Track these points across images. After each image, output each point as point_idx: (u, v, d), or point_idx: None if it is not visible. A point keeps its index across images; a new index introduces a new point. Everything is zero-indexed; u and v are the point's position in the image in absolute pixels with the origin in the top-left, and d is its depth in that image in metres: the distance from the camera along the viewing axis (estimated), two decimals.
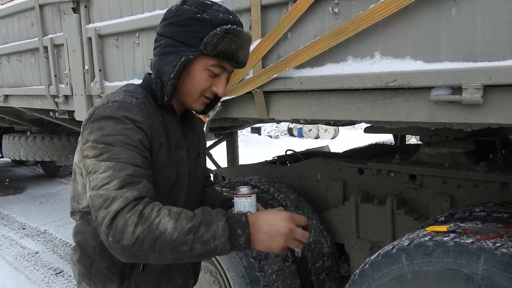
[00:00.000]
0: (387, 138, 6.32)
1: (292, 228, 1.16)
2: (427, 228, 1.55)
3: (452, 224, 1.50)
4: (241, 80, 1.82)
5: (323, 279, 2.34)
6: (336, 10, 1.52)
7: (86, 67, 2.65)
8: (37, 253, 4.60)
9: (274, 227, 1.15)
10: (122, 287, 1.30)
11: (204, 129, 2.00)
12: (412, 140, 7.97)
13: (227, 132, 4.38)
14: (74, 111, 2.92)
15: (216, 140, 4.61)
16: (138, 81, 1.40)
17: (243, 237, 1.11)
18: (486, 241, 1.35)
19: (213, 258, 2.27)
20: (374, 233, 2.38)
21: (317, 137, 17.08)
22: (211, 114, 1.97)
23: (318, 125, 16.21)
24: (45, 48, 3.01)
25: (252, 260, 2.12)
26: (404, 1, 1.32)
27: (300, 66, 1.63)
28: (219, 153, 4.66)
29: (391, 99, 1.46)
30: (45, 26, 3.01)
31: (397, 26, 1.38)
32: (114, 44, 2.47)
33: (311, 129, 17.25)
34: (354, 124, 2.27)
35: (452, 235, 1.43)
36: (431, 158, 2.32)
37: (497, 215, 1.60)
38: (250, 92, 1.81)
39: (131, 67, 2.40)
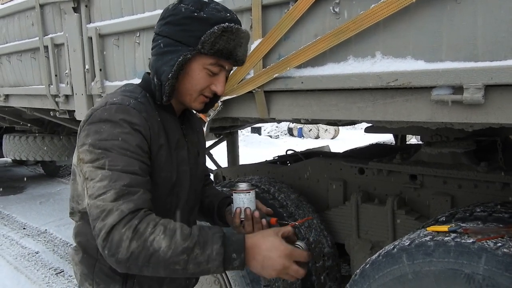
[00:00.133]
0: (388, 138, 6.31)
1: (287, 265, 1.13)
2: (428, 228, 1.55)
3: (453, 224, 1.50)
4: (241, 80, 1.82)
5: (324, 279, 2.34)
6: (337, 9, 1.51)
7: (87, 67, 2.65)
8: (37, 253, 4.60)
9: (269, 260, 1.13)
10: (125, 287, 1.30)
11: (205, 129, 2.00)
12: (412, 140, 7.98)
13: (228, 132, 4.38)
14: (74, 110, 2.92)
15: (216, 140, 4.61)
16: (138, 81, 1.40)
17: (238, 261, 1.10)
18: (487, 241, 1.35)
19: None
20: (374, 233, 2.38)
21: (317, 137, 17.07)
22: (212, 113, 1.97)
23: (318, 125, 16.27)
24: (46, 47, 3.01)
25: None
26: (405, 1, 1.31)
27: (301, 66, 1.63)
28: (220, 153, 4.66)
29: (392, 98, 1.45)
30: (45, 26, 3.01)
31: (398, 25, 1.38)
32: (114, 44, 2.47)
33: (311, 129, 17.25)
34: (354, 124, 2.27)
35: (453, 235, 1.43)
36: (431, 158, 2.32)
37: (498, 215, 1.60)
38: (250, 92, 1.81)
39: (132, 66, 2.40)
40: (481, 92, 1.22)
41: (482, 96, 1.22)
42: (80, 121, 1.24)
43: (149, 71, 1.33)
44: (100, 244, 1.06)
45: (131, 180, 1.10)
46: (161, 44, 1.22)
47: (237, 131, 4.66)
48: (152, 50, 1.27)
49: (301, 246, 1.23)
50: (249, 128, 16.17)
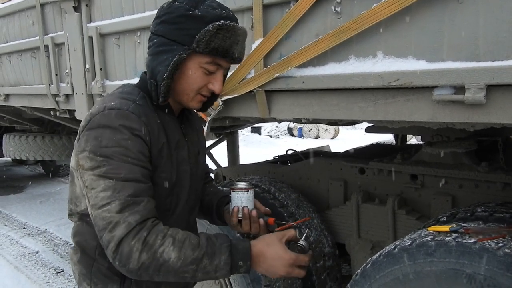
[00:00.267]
0: (388, 138, 6.31)
1: (290, 272, 1.19)
2: (429, 228, 1.55)
3: (454, 224, 1.50)
4: (242, 79, 1.82)
5: (324, 279, 2.34)
6: (338, 9, 1.51)
7: (87, 66, 2.64)
8: (37, 253, 4.60)
9: (273, 268, 1.18)
10: (123, 287, 1.30)
11: (206, 128, 1.99)
12: (412, 140, 7.97)
13: (228, 132, 4.38)
14: (75, 110, 2.92)
15: (216, 139, 4.61)
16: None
17: (244, 268, 1.16)
18: (489, 241, 1.35)
19: None
20: (375, 233, 2.38)
21: (317, 137, 17.07)
22: (213, 113, 1.96)
23: (318, 125, 16.27)
24: (46, 47, 3.00)
25: None
26: (407, 1, 1.31)
27: (302, 65, 1.63)
28: (220, 153, 4.66)
29: (393, 98, 1.45)
30: (46, 25, 3.01)
31: (400, 25, 1.38)
32: (115, 43, 2.46)
33: (311, 129, 17.25)
34: (355, 124, 2.26)
35: (454, 235, 1.43)
36: (432, 158, 2.32)
37: (499, 215, 1.60)
38: (251, 91, 1.81)
39: (133, 66, 2.39)
40: (482, 92, 1.22)
41: (484, 96, 1.22)
42: (81, 120, 1.24)
43: None
44: (110, 256, 1.09)
45: (135, 189, 1.10)
46: (156, 44, 1.21)
47: (237, 131, 4.66)
48: (148, 49, 1.25)
49: (303, 246, 1.25)
50: (249, 128, 16.17)
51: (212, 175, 2.84)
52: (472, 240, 1.37)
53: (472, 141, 2.16)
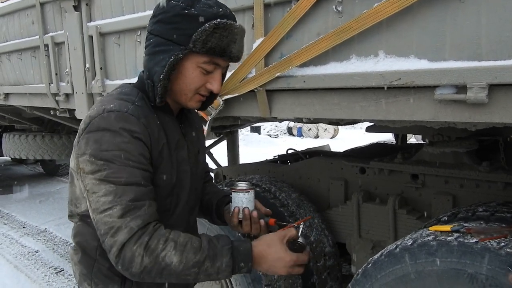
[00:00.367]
0: (387, 137, 6.31)
1: (290, 271, 1.21)
2: (430, 228, 1.55)
3: (455, 224, 1.50)
4: (243, 79, 1.81)
5: (325, 278, 2.33)
6: (339, 8, 1.51)
7: (87, 65, 2.64)
8: (37, 252, 4.60)
9: (274, 269, 1.20)
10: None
11: (206, 128, 1.99)
12: (412, 140, 7.97)
13: (228, 131, 4.37)
14: (75, 109, 2.91)
15: (216, 139, 4.61)
16: None
17: (245, 269, 1.16)
18: (490, 241, 1.35)
19: None
20: (375, 232, 2.38)
21: (316, 137, 17.08)
22: (213, 112, 1.96)
23: (317, 124, 16.25)
24: (46, 46, 2.99)
25: None
26: (408, 0, 1.31)
27: (303, 65, 1.62)
28: (219, 152, 4.65)
29: (395, 98, 1.45)
30: (46, 24, 3.00)
31: (402, 25, 1.37)
32: (115, 42, 2.46)
33: (310, 129, 17.25)
34: (356, 123, 2.26)
35: (456, 234, 1.43)
36: (433, 158, 2.31)
37: (500, 215, 1.60)
38: (252, 91, 1.80)
39: (133, 65, 2.39)
40: (485, 91, 1.22)
41: (486, 96, 1.22)
42: (81, 119, 1.23)
43: None
44: (113, 260, 1.10)
45: (136, 194, 1.10)
46: (153, 43, 1.19)
47: (237, 130, 4.65)
48: (145, 49, 1.23)
49: (301, 243, 1.26)
50: (248, 128, 16.16)
51: (212, 174, 2.84)
52: (474, 240, 1.37)
53: (473, 140, 2.16)
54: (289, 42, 1.67)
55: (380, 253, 1.62)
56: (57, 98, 3.05)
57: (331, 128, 16.86)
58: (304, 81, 1.63)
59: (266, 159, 3.43)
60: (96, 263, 1.29)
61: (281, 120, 2.09)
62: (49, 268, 4.20)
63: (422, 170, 2.24)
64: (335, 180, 2.60)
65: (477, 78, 1.23)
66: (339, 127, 17.12)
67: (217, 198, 1.54)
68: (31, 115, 4.20)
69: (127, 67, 2.43)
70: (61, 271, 4.11)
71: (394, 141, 3.95)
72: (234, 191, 1.37)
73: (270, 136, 17.28)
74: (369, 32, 1.44)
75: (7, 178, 8.31)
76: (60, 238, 5.00)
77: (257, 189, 2.40)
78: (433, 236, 1.47)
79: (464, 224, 1.49)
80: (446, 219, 1.76)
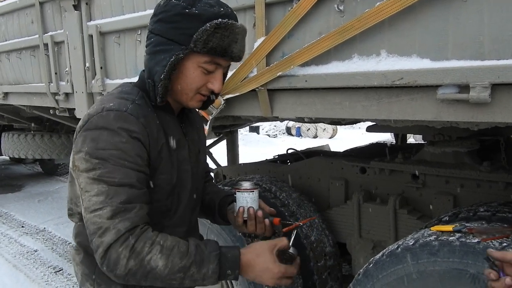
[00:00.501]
0: (386, 137, 6.30)
1: (277, 283, 1.19)
2: (432, 228, 1.54)
3: (457, 224, 1.50)
4: (244, 78, 1.81)
5: (325, 278, 2.33)
6: (341, 7, 1.50)
7: (87, 65, 2.63)
8: (36, 251, 4.58)
9: (261, 278, 1.18)
10: None
11: (207, 127, 1.98)
12: (410, 140, 7.98)
13: (227, 131, 4.37)
14: (74, 108, 2.91)
15: (216, 138, 4.60)
16: None
17: (232, 276, 1.15)
18: (492, 241, 1.34)
19: None
20: (376, 232, 2.37)
21: (315, 137, 17.08)
22: (214, 112, 1.96)
23: (316, 124, 16.26)
24: (46, 45, 2.99)
25: None
26: None
27: (305, 64, 1.62)
28: (219, 152, 4.65)
29: (397, 97, 1.45)
30: (45, 23, 2.99)
31: (404, 24, 1.37)
32: (115, 42, 2.45)
33: (309, 128, 17.25)
34: (358, 123, 2.25)
35: (457, 234, 1.43)
36: (434, 157, 2.31)
37: (501, 215, 1.60)
38: (254, 90, 1.80)
39: (133, 64, 2.38)
40: (487, 91, 1.22)
41: (489, 95, 1.22)
42: (80, 119, 1.22)
43: None
44: (98, 261, 1.09)
45: (128, 195, 1.09)
46: (154, 43, 1.18)
47: (237, 130, 4.65)
48: (146, 48, 1.22)
49: (292, 254, 1.24)
50: (247, 127, 16.16)
51: (212, 174, 2.83)
52: (476, 240, 1.36)
53: (474, 140, 2.16)
54: (291, 41, 1.67)
55: (381, 253, 1.62)
56: (56, 97, 3.05)
57: (329, 128, 16.87)
58: (306, 81, 1.63)
59: (266, 159, 3.43)
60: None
61: (282, 120, 2.08)
62: (48, 267, 4.18)
63: (423, 170, 2.24)
64: (336, 180, 2.60)
65: (479, 78, 1.22)
66: (338, 127, 17.15)
67: (219, 198, 1.53)
68: (30, 114, 4.19)
69: (128, 66, 2.42)
70: (60, 270, 4.10)
71: (394, 141, 3.95)
72: (239, 191, 1.36)
73: (269, 136, 17.28)
74: (371, 31, 1.44)
75: (6, 177, 8.29)
76: (59, 237, 4.99)
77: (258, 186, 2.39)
78: (435, 236, 1.47)
79: (466, 224, 1.49)
80: (447, 219, 1.75)
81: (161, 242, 1.10)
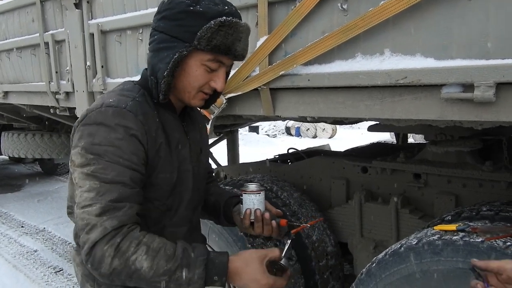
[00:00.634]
0: (386, 137, 6.30)
1: None
2: (435, 227, 1.54)
3: (461, 223, 1.49)
4: (247, 77, 1.80)
5: (327, 278, 2.33)
6: (345, 6, 1.50)
7: (88, 63, 2.62)
8: (36, 251, 4.57)
9: (249, 287, 1.14)
10: None
11: (209, 126, 1.98)
12: (410, 140, 7.96)
13: (228, 130, 4.36)
14: (75, 108, 2.90)
15: (216, 138, 4.59)
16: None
17: (219, 282, 1.11)
18: (496, 240, 1.34)
19: None
20: (378, 232, 2.37)
21: (315, 136, 17.09)
22: (216, 111, 1.95)
23: (316, 124, 16.26)
24: (46, 44, 2.98)
25: None
26: None
27: (308, 63, 1.62)
28: (219, 152, 4.64)
29: (400, 96, 1.44)
30: (46, 22, 2.99)
31: (408, 22, 1.37)
32: (117, 40, 2.44)
33: (308, 128, 17.25)
34: (360, 122, 2.25)
35: (461, 234, 1.43)
36: (436, 157, 2.31)
37: (505, 214, 1.60)
38: (256, 89, 1.79)
39: (134, 63, 2.37)
40: (492, 90, 1.21)
41: (493, 94, 1.21)
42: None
43: None
44: (84, 258, 1.08)
45: (119, 194, 1.08)
46: (157, 40, 1.18)
47: (237, 130, 4.64)
48: (149, 45, 1.22)
49: (283, 265, 1.21)
50: (246, 127, 16.14)
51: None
52: (480, 239, 1.36)
53: (476, 140, 2.16)
54: (294, 40, 1.66)
55: (384, 252, 1.61)
56: (57, 96, 3.04)
57: (329, 128, 16.87)
58: (309, 80, 1.62)
59: (267, 159, 3.42)
60: None
61: (284, 119, 2.08)
62: (48, 267, 4.17)
63: (425, 170, 2.24)
64: (337, 179, 2.60)
65: (484, 77, 1.22)
66: (338, 127, 17.15)
67: (224, 200, 1.51)
68: (30, 113, 4.17)
69: (129, 65, 2.42)
70: (60, 270, 4.09)
71: (394, 141, 3.95)
72: (245, 193, 1.35)
73: (269, 136, 17.28)
74: (375, 30, 1.43)
75: (5, 177, 8.27)
76: (59, 237, 4.98)
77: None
78: (438, 236, 1.47)
79: (470, 224, 1.49)
80: (450, 218, 1.75)
81: (148, 243, 1.08)
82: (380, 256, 1.62)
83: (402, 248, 1.53)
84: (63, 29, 2.79)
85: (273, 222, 1.35)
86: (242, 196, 1.35)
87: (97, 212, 1.06)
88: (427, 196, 2.28)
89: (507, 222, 1.51)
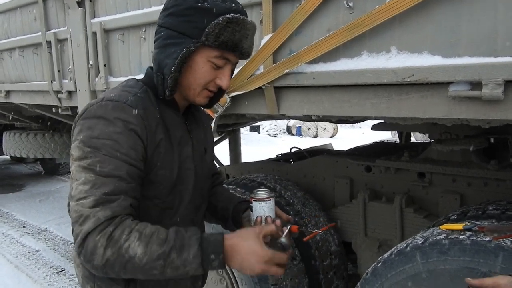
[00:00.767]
0: (388, 136, 6.28)
1: (265, 269, 1.10)
2: (441, 226, 1.53)
3: (467, 222, 1.48)
4: (251, 76, 1.79)
5: (331, 278, 2.32)
6: (351, 4, 1.49)
7: (91, 62, 2.61)
8: (38, 252, 4.57)
9: (247, 263, 1.10)
10: None
11: (212, 125, 1.97)
12: (412, 139, 7.93)
13: (230, 130, 4.35)
14: (77, 107, 2.89)
15: (218, 137, 4.58)
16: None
17: (216, 261, 1.07)
18: (504, 239, 1.33)
19: None
20: (382, 231, 2.36)
21: (316, 136, 17.07)
22: (220, 110, 1.94)
23: (317, 123, 16.24)
24: (49, 43, 2.97)
25: None
26: None
27: (313, 61, 1.60)
28: (221, 151, 4.63)
29: (407, 95, 1.43)
30: (48, 21, 2.98)
31: (415, 20, 1.36)
32: (119, 39, 2.43)
33: (309, 128, 17.24)
34: (366, 120, 2.24)
35: (468, 233, 1.41)
36: (440, 156, 2.30)
37: (511, 213, 1.58)
38: (260, 88, 1.78)
39: (137, 62, 2.37)
40: (501, 88, 1.20)
41: (502, 92, 1.20)
42: None
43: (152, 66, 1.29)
44: (76, 250, 1.06)
45: (114, 187, 1.06)
46: (164, 36, 1.18)
47: (239, 129, 4.63)
48: (155, 42, 1.22)
49: (283, 243, 1.19)
50: (247, 127, 16.13)
51: None
52: (487, 238, 1.35)
53: (482, 138, 2.15)
54: (298, 38, 1.65)
55: (390, 251, 1.60)
56: (59, 95, 3.03)
57: (330, 127, 16.86)
58: (314, 78, 1.61)
59: (269, 158, 3.42)
60: None
61: (289, 118, 2.07)
62: (50, 267, 4.17)
63: (429, 169, 2.23)
64: (340, 178, 2.59)
65: (492, 74, 1.21)
66: (339, 126, 17.14)
67: (233, 205, 1.48)
68: (32, 113, 4.17)
69: (132, 64, 2.41)
70: (63, 270, 4.08)
71: (398, 140, 3.94)
72: (255, 200, 1.32)
73: (270, 135, 17.27)
74: (381, 28, 1.42)
75: (7, 177, 8.27)
76: (61, 237, 4.97)
77: (274, 193, 2.38)
78: (445, 235, 1.46)
79: (476, 223, 1.47)
80: (455, 217, 1.74)
81: (140, 230, 1.05)
82: (386, 255, 1.61)
83: (408, 248, 1.51)
84: (66, 28, 2.78)
85: (284, 228, 1.33)
86: (252, 203, 1.32)
87: (90, 204, 1.04)
88: (431, 195, 2.26)
89: None
